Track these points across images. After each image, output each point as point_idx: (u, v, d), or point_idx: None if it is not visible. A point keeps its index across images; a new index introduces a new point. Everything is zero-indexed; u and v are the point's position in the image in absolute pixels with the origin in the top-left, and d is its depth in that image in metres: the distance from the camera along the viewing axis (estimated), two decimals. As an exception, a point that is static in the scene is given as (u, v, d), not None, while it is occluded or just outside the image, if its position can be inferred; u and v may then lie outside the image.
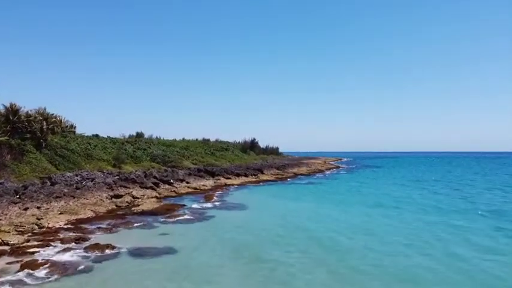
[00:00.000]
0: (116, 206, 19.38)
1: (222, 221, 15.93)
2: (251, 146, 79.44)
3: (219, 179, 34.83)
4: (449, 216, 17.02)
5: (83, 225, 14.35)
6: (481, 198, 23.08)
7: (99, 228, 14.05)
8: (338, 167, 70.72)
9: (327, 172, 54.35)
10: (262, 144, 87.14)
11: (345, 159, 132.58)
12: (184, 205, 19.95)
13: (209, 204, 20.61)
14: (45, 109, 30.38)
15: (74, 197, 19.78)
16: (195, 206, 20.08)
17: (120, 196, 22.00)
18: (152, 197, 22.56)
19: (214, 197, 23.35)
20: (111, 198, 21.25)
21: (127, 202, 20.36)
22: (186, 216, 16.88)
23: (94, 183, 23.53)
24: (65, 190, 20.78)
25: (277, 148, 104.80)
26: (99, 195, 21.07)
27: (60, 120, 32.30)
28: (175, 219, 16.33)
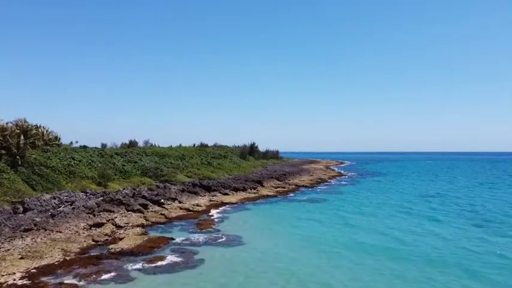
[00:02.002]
0: (93, 240, 16.87)
1: (211, 269, 13.46)
2: (250, 151, 77.21)
3: (215, 195, 32.37)
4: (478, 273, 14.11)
5: (43, 279, 11.86)
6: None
7: (61, 284, 11.57)
8: (340, 174, 68.32)
9: (330, 182, 51.89)
10: (261, 147, 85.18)
11: (346, 163, 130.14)
12: (172, 239, 17.47)
13: (201, 237, 18.13)
14: (24, 120, 27.97)
15: (46, 230, 17.30)
16: (184, 239, 17.60)
17: (101, 225, 19.52)
18: (137, 225, 20.06)
19: (207, 224, 20.88)
20: (90, 228, 18.76)
21: (107, 235, 17.85)
22: (170, 259, 14.42)
23: (73, 208, 21.03)
24: (37, 219, 18.29)
25: (277, 152, 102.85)
26: (76, 226, 18.56)
27: (43, 132, 29.89)
28: (158, 264, 13.87)
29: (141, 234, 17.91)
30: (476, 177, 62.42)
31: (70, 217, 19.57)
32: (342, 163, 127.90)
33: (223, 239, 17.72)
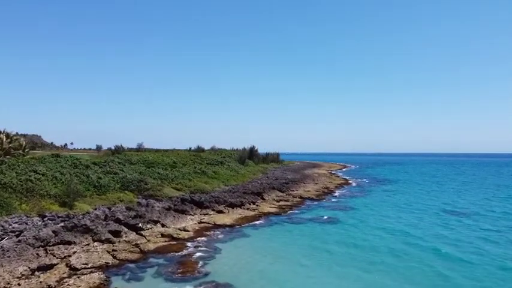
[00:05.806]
0: (27, 299, 12.15)
1: None
2: (250, 155, 72.72)
3: (207, 213, 27.66)
4: None
5: None
6: None
7: None
8: (346, 182, 63.53)
9: (337, 192, 47.09)
10: (261, 148, 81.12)
11: (349, 167, 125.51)
12: (139, 294, 12.76)
13: (180, 289, 13.42)
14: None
15: (-36, 281, 12.58)
16: (156, 294, 12.89)
17: (49, 267, 14.79)
18: (99, 267, 15.32)
19: (192, 265, 16.16)
20: (31, 275, 14.00)
21: (49, 287, 13.11)
22: None
23: (19, 241, 16.31)
24: (-39, 262, 13.59)
25: (278, 155, 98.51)
26: (11, 272, 13.79)
27: (2, 140, 25.11)
28: None
29: (97, 287, 13.15)
30: (490, 188, 57.63)
31: (9, 256, 14.83)
32: (344, 167, 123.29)
33: (210, 296, 12.96)
